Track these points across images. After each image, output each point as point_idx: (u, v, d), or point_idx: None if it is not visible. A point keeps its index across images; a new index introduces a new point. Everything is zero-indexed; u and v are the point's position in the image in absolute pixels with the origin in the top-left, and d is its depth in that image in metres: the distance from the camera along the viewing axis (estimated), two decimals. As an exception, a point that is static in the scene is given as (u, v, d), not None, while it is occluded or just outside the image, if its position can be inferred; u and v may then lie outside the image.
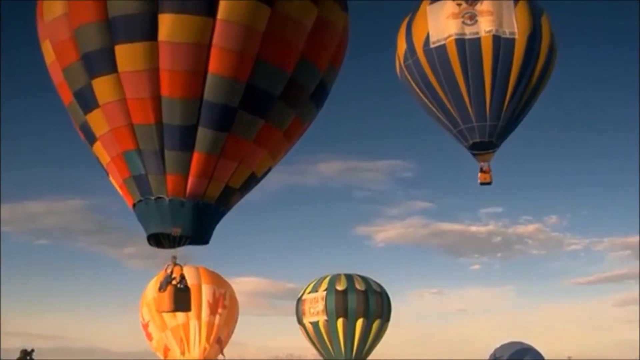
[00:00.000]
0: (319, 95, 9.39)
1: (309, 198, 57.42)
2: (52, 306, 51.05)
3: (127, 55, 7.77)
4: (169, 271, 9.48)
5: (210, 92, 7.98)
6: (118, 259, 62.45)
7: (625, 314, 40.85)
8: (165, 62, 7.76)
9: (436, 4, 16.97)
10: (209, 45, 7.82)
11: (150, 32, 7.68)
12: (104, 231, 55.22)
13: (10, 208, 44.69)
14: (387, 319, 23.36)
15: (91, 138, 8.69)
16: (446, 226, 51.41)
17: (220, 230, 9.97)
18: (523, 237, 50.38)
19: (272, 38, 8.11)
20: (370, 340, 22.87)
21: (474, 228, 50.56)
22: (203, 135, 8.21)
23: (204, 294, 16.22)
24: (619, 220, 55.41)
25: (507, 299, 47.99)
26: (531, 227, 49.48)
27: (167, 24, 7.66)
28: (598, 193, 52.36)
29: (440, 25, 16.80)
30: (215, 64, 7.88)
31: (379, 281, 23.19)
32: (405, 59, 17.53)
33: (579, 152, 53.39)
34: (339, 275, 22.75)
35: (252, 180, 9.35)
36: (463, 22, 16.56)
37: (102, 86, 8.01)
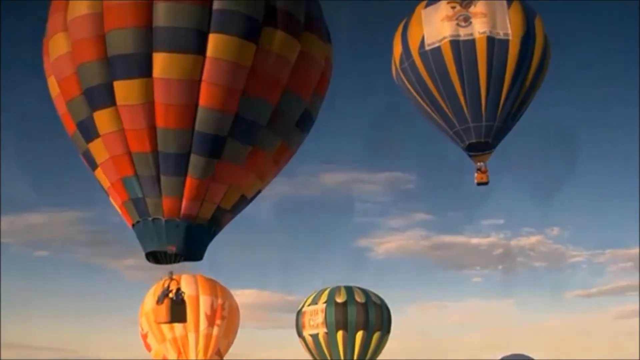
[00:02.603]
0: (305, 122, 10.55)
1: (310, 210, 58.29)
2: (53, 317, 52.09)
3: (125, 90, 8.96)
4: (166, 285, 10.68)
5: (201, 123, 9.14)
6: (118, 270, 63.68)
7: (626, 327, 41.31)
8: (159, 96, 8.93)
9: (430, 7, 17.86)
10: (199, 81, 8.98)
11: (145, 70, 8.85)
12: (105, 243, 56.35)
13: (10, 219, 45.95)
14: (387, 331, 24.28)
15: (93, 165, 9.91)
16: (447, 238, 52.31)
17: (221, 241, 11.22)
18: (525, 249, 51.18)
19: (257, 73, 9.26)
20: (370, 353, 23.71)
21: (475, 240, 51.47)
22: (195, 161, 9.38)
23: (202, 305, 17.12)
24: (620, 232, 56.02)
25: (508, 311, 48.63)
26: (533, 239, 50.30)
27: (161, 62, 8.83)
28: (599, 204, 52.95)
29: (434, 27, 17.65)
30: (205, 98, 9.04)
31: (379, 293, 24.18)
32: (401, 62, 18.36)
33: (580, 162, 53.92)
34: (338, 287, 23.75)
35: (242, 202, 10.52)
36: (457, 24, 17.42)
37: (102, 118, 9.22)
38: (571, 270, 49.11)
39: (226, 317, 17.85)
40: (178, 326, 16.05)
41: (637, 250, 40.74)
